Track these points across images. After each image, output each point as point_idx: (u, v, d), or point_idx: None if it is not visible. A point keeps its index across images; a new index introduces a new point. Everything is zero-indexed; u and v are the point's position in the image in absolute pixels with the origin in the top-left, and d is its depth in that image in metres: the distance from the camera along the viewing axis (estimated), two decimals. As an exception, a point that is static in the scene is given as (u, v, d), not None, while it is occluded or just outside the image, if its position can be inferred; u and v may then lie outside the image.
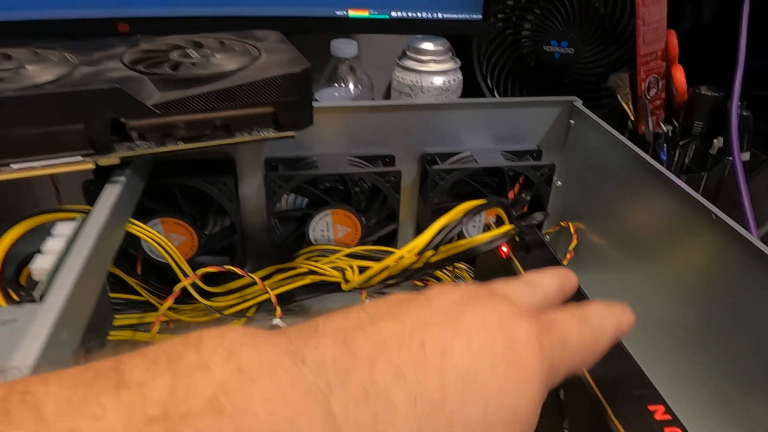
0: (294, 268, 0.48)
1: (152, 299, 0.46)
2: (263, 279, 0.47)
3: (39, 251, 0.32)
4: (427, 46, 0.54)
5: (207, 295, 0.46)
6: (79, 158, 0.35)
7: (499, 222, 0.41)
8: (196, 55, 0.39)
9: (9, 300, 0.31)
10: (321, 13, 0.62)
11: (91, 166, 0.35)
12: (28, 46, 0.39)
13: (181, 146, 0.37)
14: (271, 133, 0.39)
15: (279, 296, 0.47)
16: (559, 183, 0.53)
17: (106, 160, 0.35)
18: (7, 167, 0.33)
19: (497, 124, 0.51)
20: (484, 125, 0.50)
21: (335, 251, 0.48)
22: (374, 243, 0.50)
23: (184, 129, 0.37)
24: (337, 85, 0.61)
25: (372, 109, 0.48)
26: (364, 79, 0.60)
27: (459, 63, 0.56)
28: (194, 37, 0.42)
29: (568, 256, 0.52)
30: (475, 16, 0.65)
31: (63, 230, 0.34)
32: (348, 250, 0.48)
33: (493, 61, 0.71)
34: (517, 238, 0.38)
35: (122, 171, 0.37)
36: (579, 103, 0.51)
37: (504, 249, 0.37)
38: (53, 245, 0.33)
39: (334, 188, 0.48)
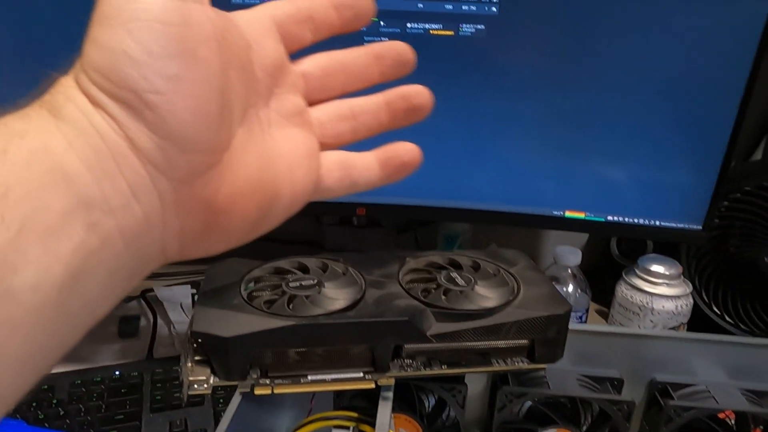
0: (509, 480, 0.48)
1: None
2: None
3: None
4: (660, 269, 0.55)
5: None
6: (361, 375, 0.39)
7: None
8: (461, 282, 0.43)
9: None
10: (540, 212, 0.66)
11: (371, 385, 0.38)
12: (316, 256, 0.46)
13: (445, 370, 0.40)
14: (525, 364, 0.41)
15: None
16: (807, 431, 0.49)
17: (384, 381, 0.39)
18: (305, 378, 0.38)
19: (733, 357, 0.49)
20: (719, 357, 0.49)
21: (554, 469, 0.47)
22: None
23: (450, 355, 0.40)
24: (558, 288, 0.63)
25: (607, 334, 0.49)
26: (583, 283, 0.61)
27: (690, 287, 0.56)
28: (450, 254, 0.47)
29: None
30: (693, 227, 0.65)
31: (339, 441, 0.38)
32: (567, 471, 0.47)
33: (702, 266, 0.69)
34: None
35: (390, 386, 0.40)
36: (836, 350, 0.47)
37: None
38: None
39: (561, 404, 0.48)
